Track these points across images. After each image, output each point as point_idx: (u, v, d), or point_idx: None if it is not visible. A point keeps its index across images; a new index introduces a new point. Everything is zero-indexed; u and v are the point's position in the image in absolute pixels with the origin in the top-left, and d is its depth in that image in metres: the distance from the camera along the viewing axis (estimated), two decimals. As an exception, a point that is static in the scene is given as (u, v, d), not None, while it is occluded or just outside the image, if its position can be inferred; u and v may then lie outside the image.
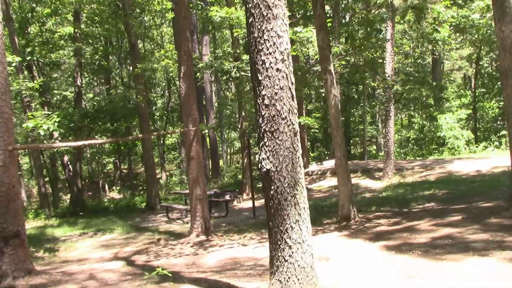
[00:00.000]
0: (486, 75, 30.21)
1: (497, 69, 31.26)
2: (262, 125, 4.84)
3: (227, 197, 17.81)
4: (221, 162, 36.90)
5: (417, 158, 23.80)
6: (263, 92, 4.79)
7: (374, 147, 34.34)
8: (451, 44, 23.11)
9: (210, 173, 31.73)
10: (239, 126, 20.19)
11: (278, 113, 4.78)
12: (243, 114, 19.96)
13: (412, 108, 27.90)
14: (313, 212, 13.18)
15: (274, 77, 4.77)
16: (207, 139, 31.73)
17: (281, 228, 4.85)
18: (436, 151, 24.96)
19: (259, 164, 4.90)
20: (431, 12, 14.28)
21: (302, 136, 25.27)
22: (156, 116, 26.24)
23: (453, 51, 30.56)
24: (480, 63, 28.41)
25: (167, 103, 34.95)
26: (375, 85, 28.03)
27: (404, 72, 15.30)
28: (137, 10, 21.14)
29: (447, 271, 5.77)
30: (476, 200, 10.83)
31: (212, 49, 28.96)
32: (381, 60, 14.56)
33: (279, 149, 4.79)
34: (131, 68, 23.02)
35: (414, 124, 28.95)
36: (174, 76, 28.46)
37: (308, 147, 31.03)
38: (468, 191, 12.40)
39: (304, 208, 4.95)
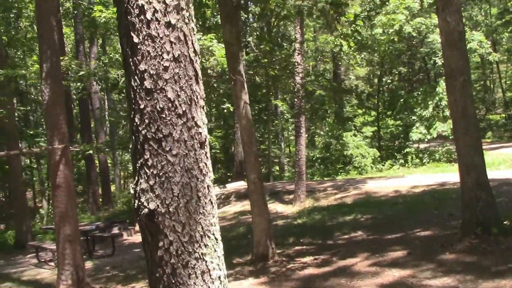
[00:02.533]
0: (388, 92, 30.05)
1: (396, 88, 31.37)
2: (140, 129, 2.62)
3: (115, 230, 15.11)
4: (113, 187, 33.55)
5: (325, 179, 22.52)
6: (142, 66, 2.56)
7: (277, 167, 32.98)
8: (355, 58, 22.26)
9: (101, 200, 28.43)
10: (131, 145, 17.51)
11: (170, 105, 2.58)
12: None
13: (325, 122, 26.60)
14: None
15: (162, 38, 2.58)
16: (97, 162, 28.49)
17: (178, 321, 2.61)
18: (342, 171, 23.92)
19: (135, 201, 2.65)
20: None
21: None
22: (30, 134, 21.96)
23: (353, 69, 30.22)
24: (383, 79, 28.09)
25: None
26: (278, 102, 26.73)
27: (324, 78, 13.82)
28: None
29: None
30: (410, 226, 9.25)
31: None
32: (291, 65, 12.79)
33: (173, 172, 2.59)
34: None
35: (318, 143, 27.90)
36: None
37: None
38: (394, 215, 10.88)
39: (219, 278, 2.75)
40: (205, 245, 2.66)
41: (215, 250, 2.73)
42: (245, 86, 7.92)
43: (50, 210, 26.43)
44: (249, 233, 11.41)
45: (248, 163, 7.92)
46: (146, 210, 2.58)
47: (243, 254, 9.35)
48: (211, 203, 2.74)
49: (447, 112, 22.90)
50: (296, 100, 13.72)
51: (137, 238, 15.11)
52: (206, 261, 2.65)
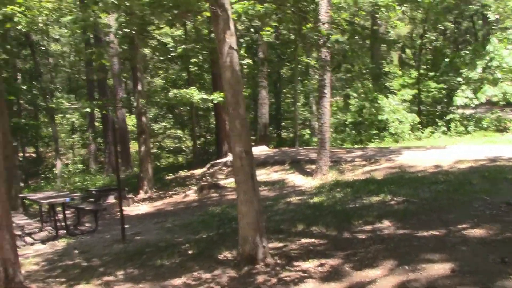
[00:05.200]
0: (431, 51, 26.92)
1: (440, 46, 28.20)
2: None
3: (111, 198, 13.41)
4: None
5: (355, 146, 20.20)
6: None
7: (308, 131, 30.69)
8: (396, 10, 19.42)
9: (120, 161, 26.98)
10: (135, 105, 15.66)
11: None
12: (139, 88, 15.41)
13: (359, 81, 23.94)
14: (210, 230, 8.99)
15: None
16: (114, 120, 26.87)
17: None
18: (377, 137, 21.50)
19: None
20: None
21: (223, 119, 21.08)
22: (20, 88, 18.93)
23: (394, 25, 27.18)
24: (426, 35, 24.96)
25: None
26: (310, 61, 24.25)
27: (345, 20, 11.10)
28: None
29: None
30: (454, 218, 7.02)
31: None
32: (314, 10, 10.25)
33: None
34: None
35: (351, 106, 25.41)
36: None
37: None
38: (433, 199, 8.62)
39: None
40: None
41: None
42: (231, 24, 5.72)
43: (64, 170, 25.14)
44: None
45: (232, 131, 5.80)
46: None
47: (237, 245, 7.38)
48: None
49: (499, 74, 20.06)
50: (316, 49, 11.35)
51: (135, 209, 13.38)
52: None
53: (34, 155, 33.38)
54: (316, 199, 10.27)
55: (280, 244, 6.92)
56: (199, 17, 11.37)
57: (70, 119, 31.45)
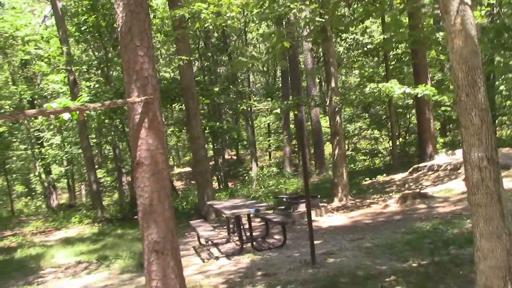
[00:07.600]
0: None
1: None
2: None
3: (302, 207, 12.14)
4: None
5: None
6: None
7: None
8: None
9: (314, 163, 25.98)
10: (327, 103, 14.26)
11: None
12: (333, 85, 13.95)
13: None
14: (421, 256, 6.46)
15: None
16: (306, 120, 26.00)
17: None
18: None
19: None
20: None
21: (428, 117, 18.58)
22: (215, 91, 18.43)
23: None
24: None
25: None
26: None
27: None
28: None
29: None
30: None
31: None
32: None
33: None
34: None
35: None
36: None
37: (437, 129, 23.92)
38: None
39: None
40: None
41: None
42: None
43: (259, 174, 24.99)
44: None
45: (466, 128, 3.82)
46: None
47: (463, 284, 5.37)
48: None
49: None
50: None
51: (328, 219, 11.92)
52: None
53: (235, 157, 34.56)
54: None
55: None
56: None
57: (266, 121, 31.60)
